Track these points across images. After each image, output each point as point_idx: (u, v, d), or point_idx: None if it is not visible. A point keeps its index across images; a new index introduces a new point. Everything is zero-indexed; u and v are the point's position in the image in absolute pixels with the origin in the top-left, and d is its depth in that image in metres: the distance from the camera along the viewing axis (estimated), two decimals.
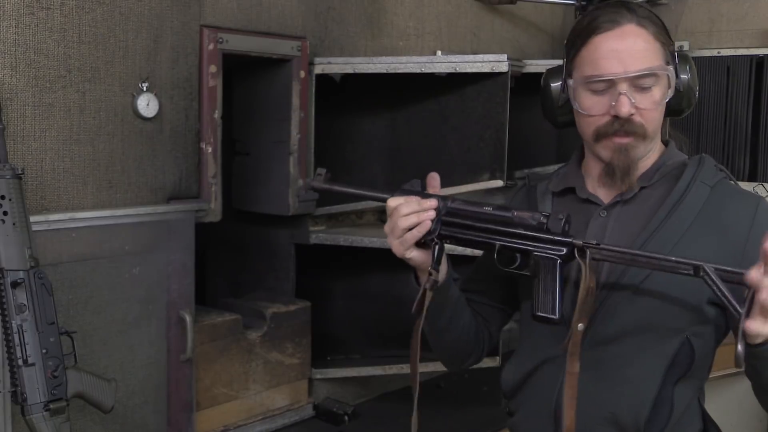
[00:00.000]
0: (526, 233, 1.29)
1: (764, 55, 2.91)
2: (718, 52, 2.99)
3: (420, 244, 1.34)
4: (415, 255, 1.34)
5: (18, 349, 1.41)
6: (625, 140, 1.31)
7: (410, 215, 1.31)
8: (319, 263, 2.33)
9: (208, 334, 1.92)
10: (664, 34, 1.33)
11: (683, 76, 1.34)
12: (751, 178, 2.96)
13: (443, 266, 1.38)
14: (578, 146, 1.45)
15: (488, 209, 1.32)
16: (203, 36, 1.85)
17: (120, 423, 1.72)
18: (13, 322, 1.41)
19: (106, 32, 1.68)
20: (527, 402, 1.42)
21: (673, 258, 1.19)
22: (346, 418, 2.16)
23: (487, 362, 2.26)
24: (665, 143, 1.41)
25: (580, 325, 1.24)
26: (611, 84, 1.29)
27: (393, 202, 1.33)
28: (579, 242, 1.26)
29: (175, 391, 1.82)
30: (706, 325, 1.30)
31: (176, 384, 1.82)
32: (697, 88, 1.36)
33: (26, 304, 1.41)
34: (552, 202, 1.44)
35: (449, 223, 1.33)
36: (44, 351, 1.42)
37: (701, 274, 1.17)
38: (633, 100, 1.28)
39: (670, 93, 1.31)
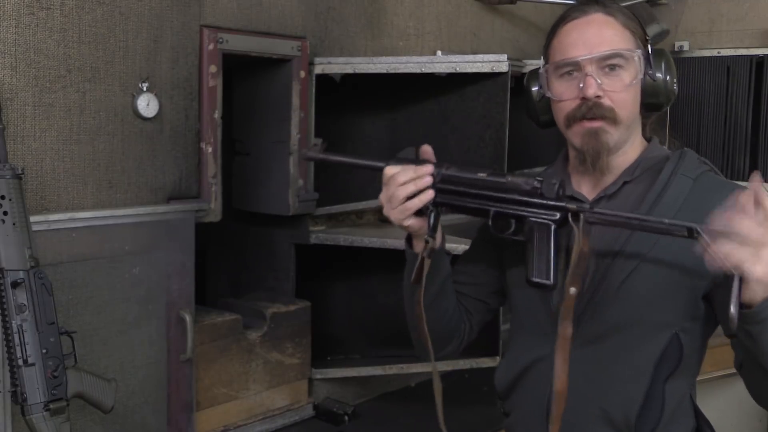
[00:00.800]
0: (520, 198, 1.29)
1: (764, 55, 2.91)
2: (718, 52, 2.99)
3: (417, 211, 1.34)
4: (413, 222, 1.33)
5: (18, 349, 1.41)
6: (595, 124, 1.32)
7: (408, 183, 1.30)
8: (319, 263, 2.33)
9: (208, 334, 1.92)
10: (635, 26, 1.35)
11: (658, 73, 1.35)
12: None
13: (438, 233, 1.38)
14: (565, 145, 1.46)
15: (482, 175, 1.32)
16: (203, 36, 1.85)
17: (120, 423, 1.72)
18: (13, 322, 1.41)
19: (106, 32, 1.68)
20: (521, 402, 1.43)
21: (666, 221, 1.19)
22: (346, 418, 2.16)
23: (487, 362, 2.26)
24: (649, 140, 1.42)
25: (572, 289, 1.24)
26: (578, 67, 1.32)
27: (390, 170, 1.32)
28: (572, 206, 1.26)
29: (175, 391, 1.82)
30: (695, 321, 1.30)
31: (176, 384, 1.82)
32: (675, 83, 1.37)
33: (26, 304, 1.41)
34: None
35: (444, 190, 1.32)
36: (44, 351, 1.42)
37: (695, 235, 1.17)
38: (599, 82, 1.30)
39: (640, 76, 1.33)
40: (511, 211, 1.30)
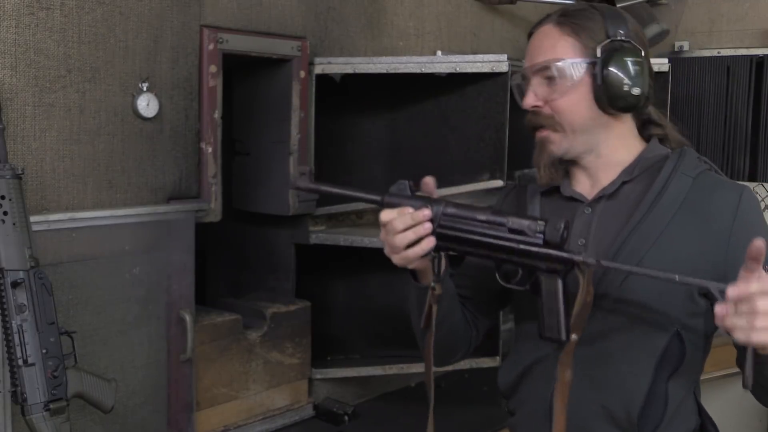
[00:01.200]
0: (524, 249, 1.25)
1: (764, 55, 2.91)
2: (718, 52, 2.99)
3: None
4: (416, 265, 1.33)
5: (18, 349, 1.41)
6: (542, 133, 1.39)
7: (407, 231, 1.26)
8: (319, 263, 2.33)
9: (208, 334, 1.92)
10: (593, 30, 1.36)
11: (612, 68, 1.33)
12: (751, 178, 2.96)
13: (442, 262, 1.36)
14: None
15: (482, 217, 1.27)
16: (203, 36, 1.85)
17: (120, 423, 1.72)
18: (13, 322, 1.41)
19: (106, 32, 1.68)
20: (524, 401, 1.43)
21: (677, 277, 1.17)
22: (346, 418, 2.16)
23: (488, 362, 2.26)
24: (647, 140, 1.42)
25: (573, 336, 1.24)
26: (526, 79, 1.39)
27: (385, 216, 1.28)
28: (579, 258, 1.23)
29: (175, 391, 1.82)
30: (695, 318, 1.30)
31: (176, 384, 1.82)
32: (629, 85, 1.33)
33: (26, 304, 1.41)
34: (539, 202, 1.46)
35: (445, 237, 1.28)
36: (44, 351, 1.42)
37: (710, 294, 1.17)
38: (537, 93, 1.37)
39: (569, 84, 1.34)
40: (516, 260, 1.27)
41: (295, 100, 2.06)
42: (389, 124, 2.40)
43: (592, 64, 1.34)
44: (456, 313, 1.46)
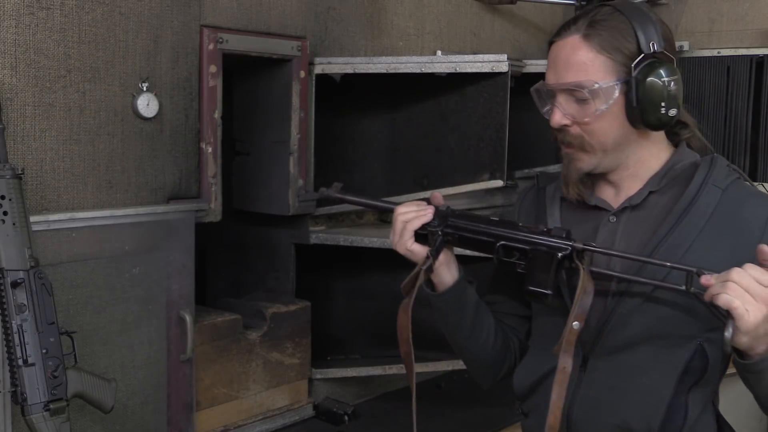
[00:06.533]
0: (527, 235, 1.31)
1: (764, 55, 2.91)
2: (718, 52, 2.99)
3: (424, 241, 1.38)
4: (416, 249, 1.38)
5: (18, 349, 1.41)
6: (568, 150, 1.34)
7: (409, 212, 1.39)
8: (319, 263, 2.33)
9: (208, 334, 1.92)
10: (620, 45, 1.27)
11: (648, 89, 1.25)
12: (751, 178, 2.96)
13: (453, 266, 1.41)
14: None
15: (494, 219, 1.37)
16: (203, 36, 1.85)
17: (120, 423, 1.72)
18: (13, 322, 1.41)
19: (106, 32, 1.68)
20: (539, 406, 1.41)
21: (668, 264, 1.20)
22: (346, 418, 2.16)
23: None
24: (676, 145, 1.38)
25: (575, 323, 1.22)
26: (552, 93, 1.32)
27: (399, 208, 1.42)
28: (579, 245, 1.25)
29: (175, 391, 1.82)
30: (718, 331, 1.29)
31: (176, 384, 1.82)
32: (664, 106, 1.27)
33: (26, 304, 1.41)
34: (560, 208, 1.43)
35: (453, 225, 1.38)
36: (44, 351, 1.42)
37: (692, 289, 1.18)
38: (565, 112, 1.29)
39: (603, 107, 1.26)
40: (517, 245, 1.31)
41: (295, 100, 2.06)
42: (389, 124, 2.40)
43: (626, 83, 1.26)
44: (486, 322, 1.46)
